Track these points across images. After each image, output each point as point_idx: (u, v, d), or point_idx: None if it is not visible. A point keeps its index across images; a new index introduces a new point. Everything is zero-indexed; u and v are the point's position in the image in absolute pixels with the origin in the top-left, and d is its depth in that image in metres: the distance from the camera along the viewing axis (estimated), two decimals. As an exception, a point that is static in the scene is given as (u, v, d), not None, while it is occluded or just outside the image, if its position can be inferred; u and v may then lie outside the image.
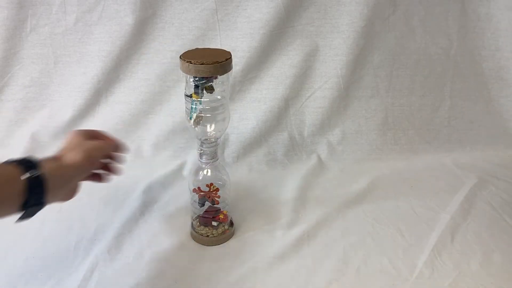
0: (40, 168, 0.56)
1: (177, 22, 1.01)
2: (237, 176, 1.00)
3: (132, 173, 1.03)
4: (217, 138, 0.75)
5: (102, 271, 0.73)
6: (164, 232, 0.83)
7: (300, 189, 0.96)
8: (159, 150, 1.08)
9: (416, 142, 1.10)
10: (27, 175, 0.54)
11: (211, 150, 0.75)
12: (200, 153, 0.76)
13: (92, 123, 1.07)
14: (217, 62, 0.66)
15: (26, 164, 0.55)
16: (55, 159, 0.62)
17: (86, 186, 0.99)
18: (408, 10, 1.03)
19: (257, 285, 0.70)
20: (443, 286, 0.69)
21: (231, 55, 0.69)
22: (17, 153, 1.05)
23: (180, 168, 1.05)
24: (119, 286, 0.71)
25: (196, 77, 0.67)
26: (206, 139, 0.75)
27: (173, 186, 0.99)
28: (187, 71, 0.66)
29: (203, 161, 0.76)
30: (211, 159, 0.76)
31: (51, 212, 0.89)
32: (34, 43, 1.02)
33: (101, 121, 1.07)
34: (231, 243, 0.81)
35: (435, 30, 1.05)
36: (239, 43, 1.02)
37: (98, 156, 0.67)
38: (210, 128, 0.72)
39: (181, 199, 0.94)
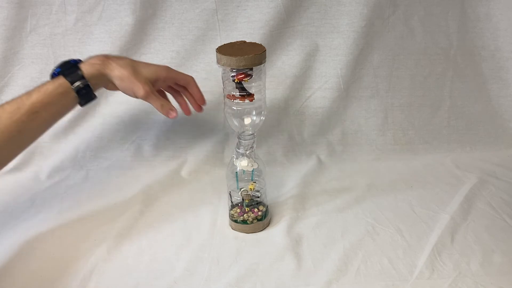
0: (84, 75, 0.74)
1: (177, 22, 1.01)
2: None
3: (132, 173, 1.04)
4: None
5: (102, 272, 0.74)
6: (164, 232, 0.84)
7: (300, 189, 0.96)
8: (159, 150, 1.08)
9: (416, 142, 1.11)
10: (75, 87, 0.73)
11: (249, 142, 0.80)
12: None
13: (92, 123, 1.07)
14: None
15: (74, 77, 0.73)
16: (101, 61, 0.76)
17: (86, 186, 1.00)
18: (408, 10, 1.03)
19: (257, 286, 0.70)
20: (443, 287, 0.69)
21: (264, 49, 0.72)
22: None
23: (180, 168, 1.05)
24: (119, 286, 0.71)
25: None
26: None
27: (173, 186, 0.99)
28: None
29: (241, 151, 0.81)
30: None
31: (51, 212, 0.90)
32: (34, 43, 1.02)
33: (101, 121, 1.07)
34: (229, 243, 0.81)
35: (434, 30, 1.05)
36: (239, 43, 1.02)
37: (127, 91, 0.78)
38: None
39: (180, 198, 0.94)
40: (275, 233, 0.83)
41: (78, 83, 0.73)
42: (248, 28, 1.02)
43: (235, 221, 0.83)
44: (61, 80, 0.73)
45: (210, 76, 1.05)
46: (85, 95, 0.75)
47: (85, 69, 0.74)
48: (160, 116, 1.08)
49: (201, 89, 1.06)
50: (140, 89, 0.76)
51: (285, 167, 1.06)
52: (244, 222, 0.82)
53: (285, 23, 1.02)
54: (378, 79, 1.08)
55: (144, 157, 1.08)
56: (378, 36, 1.04)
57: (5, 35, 1.00)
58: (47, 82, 0.73)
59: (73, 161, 1.06)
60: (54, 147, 1.07)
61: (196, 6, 1.00)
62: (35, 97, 0.70)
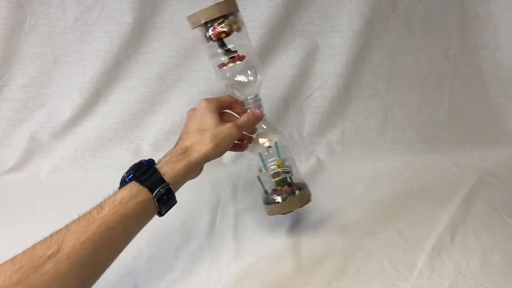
0: (165, 179, 0.61)
1: (176, 21, 1.01)
2: (235, 176, 1.00)
3: (131, 173, 1.04)
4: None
5: (101, 271, 0.73)
6: (163, 232, 0.83)
7: (300, 189, 0.96)
8: (158, 150, 1.08)
9: (415, 142, 1.10)
10: (157, 194, 0.60)
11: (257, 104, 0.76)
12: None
13: (91, 123, 1.07)
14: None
15: (153, 181, 0.61)
16: (182, 155, 0.64)
17: (85, 185, 1.00)
18: (408, 10, 1.03)
19: (257, 285, 0.70)
20: (443, 286, 0.69)
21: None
22: (16, 154, 1.05)
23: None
24: (118, 286, 0.71)
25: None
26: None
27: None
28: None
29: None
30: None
31: (50, 212, 0.90)
32: (33, 43, 1.02)
33: (100, 120, 1.07)
34: (228, 243, 0.80)
35: (434, 29, 1.05)
36: (238, 42, 1.02)
37: (228, 146, 0.68)
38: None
39: (178, 198, 0.94)
40: (275, 233, 0.82)
41: (159, 188, 0.61)
42: (247, 28, 1.01)
43: (270, 203, 0.75)
44: (138, 187, 0.60)
45: (209, 75, 1.05)
46: (166, 201, 0.62)
47: (167, 169, 0.62)
48: (159, 116, 1.08)
49: (201, 89, 1.07)
50: (232, 134, 0.68)
51: (284, 166, 1.05)
52: (281, 202, 0.75)
53: (284, 22, 1.01)
54: (378, 78, 1.08)
55: (143, 157, 1.07)
56: (378, 35, 1.04)
57: (4, 34, 1.00)
58: (120, 190, 0.60)
59: (72, 160, 1.06)
60: (53, 147, 1.07)
61: (196, 5, 0.99)
62: (107, 209, 0.57)
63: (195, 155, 0.64)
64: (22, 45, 1.02)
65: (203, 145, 0.65)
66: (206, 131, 0.65)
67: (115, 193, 0.60)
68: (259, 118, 0.73)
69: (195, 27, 0.70)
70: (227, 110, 0.76)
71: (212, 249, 0.79)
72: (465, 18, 1.04)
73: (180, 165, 0.63)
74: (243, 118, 0.71)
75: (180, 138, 0.67)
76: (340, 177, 1.02)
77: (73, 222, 0.56)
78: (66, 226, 0.55)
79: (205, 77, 1.05)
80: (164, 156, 0.65)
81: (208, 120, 0.67)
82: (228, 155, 1.06)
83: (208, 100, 0.70)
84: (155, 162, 0.64)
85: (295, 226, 0.84)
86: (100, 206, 0.58)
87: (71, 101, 1.06)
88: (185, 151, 0.64)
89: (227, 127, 0.67)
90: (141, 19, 1.00)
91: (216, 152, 0.66)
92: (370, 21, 1.02)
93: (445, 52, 1.07)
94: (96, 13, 1.00)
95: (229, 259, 0.76)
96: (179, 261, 0.76)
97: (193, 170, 0.65)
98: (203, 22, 0.69)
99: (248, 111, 0.74)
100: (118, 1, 0.99)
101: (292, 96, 1.08)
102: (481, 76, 1.09)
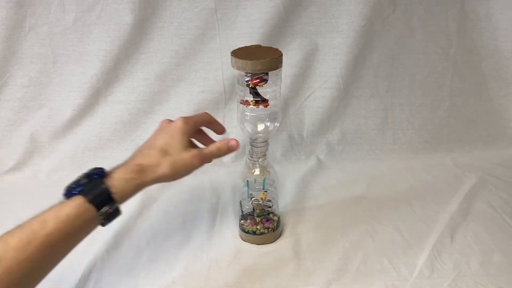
0: (115, 198, 0.57)
1: (176, 21, 1.01)
2: (235, 176, 1.00)
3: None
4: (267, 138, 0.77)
5: (101, 271, 0.73)
6: (163, 232, 0.83)
7: (299, 189, 0.96)
8: (158, 150, 1.08)
9: (415, 142, 1.10)
10: (103, 213, 0.56)
11: (262, 149, 0.76)
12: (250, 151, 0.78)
13: (91, 123, 1.07)
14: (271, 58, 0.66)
15: (102, 199, 0.56)
16: (137, 173, 0.60)
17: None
18: (408, 10, 1.03)
19: (257, 285, 0.70)
20: (443, 286, 0.69)
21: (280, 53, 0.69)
22: (16, 154, 1.05)
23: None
24: (118, 286, 0.71)
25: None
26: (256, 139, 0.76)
27: (171, 186, 0.98)
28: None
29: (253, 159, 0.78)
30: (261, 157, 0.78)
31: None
32: (33, 43, 1.02)
33: (100, 120, 1.07)
34: (228, 243, 0.80)
35: (434, 29, 1.05)
36: (238, 42, 1.02)
37: (187, 173, 0.64)
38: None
39: (179, 198, 0.94)
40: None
41: (106, 208, 0.56)
42: (247, 28, 1.01)
43: (246, 231, 0.80)
44: (85, 205, 0.55)
45: (209, 75, 1.05)
46: (112, 216, 0.58)
47: (118, 188, 0.58)
48: (159, 116, 1.08)
49: (201, 89, 1.07)
50: (193, 165, 0.64)
51: (284, 166, 1.05)
52: (255, 233, 0.80)
53: (284, 22, 1.01)
54: (378, 78, 1.08)
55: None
56: (378, 35, 1.04)
57: (4, 34, 1.00)
58: (65, 203, 0.55)
59: (72, 160, 1.06)
60: (53, 147, 1.07)
61: (196, 5, 1.00)
62: (51, 227, 0.52)
63: (149, 176, 0.61)
64: (22, 45, 1.02)
65: (160, 168, 0.61)
66: (168, 155, 0.62)
67: (59, 206, 0.54)
68: (232, 150, 0.69)
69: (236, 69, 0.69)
70: (204, 128, 0.73)
71: (212, 249, 0.79)
72: (464, 18, 1.05)
73: (132, 184, 0.59)
74: (212, 148, 0.67)
75: (140, 151, 0.64)
76: (340, 177, 1.02)
77: (12, 235, 0.51)
78: (5, 241, 0.50)
79: (205, 77, 1.05)
80: (119, 167, 0.60)
81: (175, 143, 0.64)
82: (228, 155, 1.06)
83: (186, 121, 0.66)
84: (106, 172, 0.59)
85: (295, 226, 0.84)
86: (43, 220, 0.53)
87: (71, 101, 1.06)
88: (141, 170, 0.60)
89: (190, 155, 0.63)
90: (141, 19, 1.00)
91: (172, 178, 0.63)
92: (370, 21, 1.02)
93: (445, 52, 1.07)
94: (96, 13, 1.00)
95: (229, 259, 0.76)
96: (179, 261, 0.76)
97: (143, 189, 0.62)
98: (246, 73, 0.68)
99: (228, 142, 0.70)
100: (118, 1, 0.99)
101: (292, 96, 1.08)
102: (481, 76, 1.09)
